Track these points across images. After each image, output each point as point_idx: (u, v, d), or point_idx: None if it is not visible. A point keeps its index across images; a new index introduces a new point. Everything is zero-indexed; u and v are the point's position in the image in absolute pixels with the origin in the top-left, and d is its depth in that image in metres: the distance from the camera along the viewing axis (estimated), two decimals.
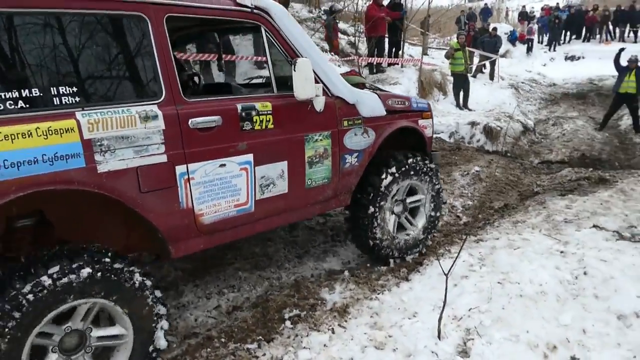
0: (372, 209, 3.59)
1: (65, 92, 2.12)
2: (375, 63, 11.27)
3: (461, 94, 11.46)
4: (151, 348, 2.44)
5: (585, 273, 3.37)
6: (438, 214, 4.17)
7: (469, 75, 12.14)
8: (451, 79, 11.88)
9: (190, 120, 2.48)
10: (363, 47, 12.41)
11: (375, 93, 3.65)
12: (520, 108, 11.80)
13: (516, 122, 9.96)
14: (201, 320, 3.20)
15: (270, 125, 2.83)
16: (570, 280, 3.31)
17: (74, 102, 2.14)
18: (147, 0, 2.37)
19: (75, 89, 2.15)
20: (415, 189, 3.96)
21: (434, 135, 5.44)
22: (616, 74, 10.54)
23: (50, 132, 2.03)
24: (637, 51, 12.03)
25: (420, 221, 4.03)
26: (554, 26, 22.32)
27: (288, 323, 3.05)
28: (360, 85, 3.81)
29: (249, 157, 2.75)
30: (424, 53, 13.92)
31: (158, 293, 2.44)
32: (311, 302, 3.31)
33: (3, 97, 1.96)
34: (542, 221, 4.63)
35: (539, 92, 15.36)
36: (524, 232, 4.31)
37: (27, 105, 2.02)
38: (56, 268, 2.07)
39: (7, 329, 1.93)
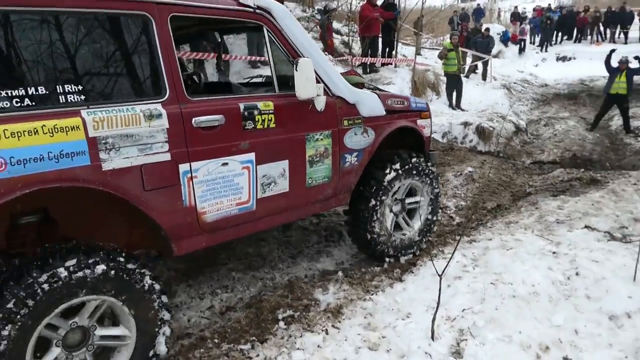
0: (373, 202, 3.62)
1: (70, 90, 2.14)
2: (368, 63, 11.28)
3: (454, 94, 11.50)
4: (151, 353, 2.46)
5: (577, 274, 3.39)
6: (435, 218, 4.22)
7: (461, 75, 12.18)
8: (444, 79, 11.93)
9: (193, 119, 2.50)
10: (357, 47, 12.41)
11: (375, 93, 3.68)
12: (512, 108, 11.87)
13: (508, 123, 10.02)
14: (194, 320, 3.19)
15: (272, 125, 2.86)
16: (563, 280, 3.33)
17: (79, 100, 2.16)
18: None
19: (80, 87, 2.17)
20: (415, 190, 4.01)
21: None
22: (607, 74, 10.62)
23: (56, 130, 2.05)
24: (628, 52, 12.16)
25: (417, 223, 4.07)
26: (546, 27, 22.49)
27: (282, 324, 3.05)
28: (360, 85, 3.84)
29: (251, 156, 2.78)
30: (417, 53, 13.93)
31: (165, 298, 2.47)
32: (305, 302, 3.30)
33: (10, 94, 1.97)
34: (534, 222, 4.65)
35: (530, 92, 15.45)
36: (517, 233, 4.33)
37: (34, 103, 2.03)
38: (73, 261, 2.10)
39: (19, 316, 1.96)
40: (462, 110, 11.32)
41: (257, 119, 2.77)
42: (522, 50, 22.04)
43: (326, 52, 11.25)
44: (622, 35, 21.99)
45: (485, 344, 2.70)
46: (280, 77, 2.98)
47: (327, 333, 2.91)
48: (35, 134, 1.99)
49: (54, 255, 2.12)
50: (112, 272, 2.21)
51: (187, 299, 3.43)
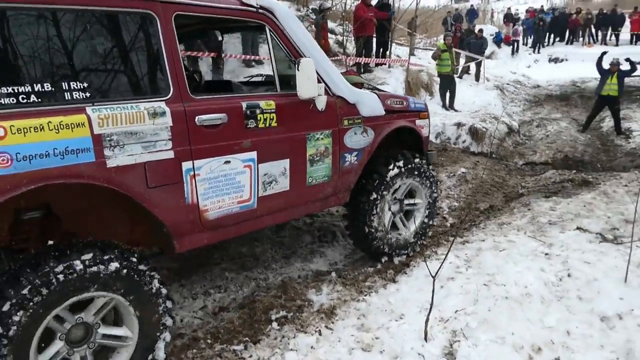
0: (374, 195, 3.66)
1: (75, 87, 2.15)
2: (362, 63, 11.28)
3: (447, 94, 11.53)
4: (150, 357, 2.47)
5: (569, 275, 3.42)
6: (430, 223, 4.26)
7: (455, 76, 12.22)
8: (438, 79, 11.95)
9: (196, 118, 2.51)
10: (351, 47, 12.40)
11: (375, 93, 3.71)
12: (505, 109, 11.92)
13: (501, 124, 10.06)
14: (187, 320, 3.18)
15: (274, 124, 2.88)
16: (555, 282, 3.35)
17: (84, 97, 2.17)
18: None
19: (85, 85, 2.18)
20: (414, 192, 4.06)
21: None
22: (598, 76, 10.69)
23: (62, 127, 2.06)
24: (619, 54, 12.24)
25: (413, 225, 4.11)
26: (539, 28, 22.61)
27: (275, 324, 3.05)
28: (359, 85, 3.87)
29: (253, 154, 2.80)
30: (411, 53, 13.97)
31: (169, 304, 2.50)
32: (298, 303, 3.31)
33: (16, 91, 1.98)
34: (527, 223, 4.68)
35: (523, 93, 15.52)
36: (510, 234, 4.36)
37: (39, 100, 2.04)
38: (89, 255, 2.15)
39: (32, 303, 1.99)
40: (456, 111, 11.35)
41: (259, 118, 2.79)
42: (515, 51, 22.15)
43: None
44: (613, 37, 22.19)
45: (478, 345, 2.71)
46: (281, 77, 3.00)
47: (320, 334, 2.91)
48: (41, 130, 2.00)
49: (71, 247, 2.16)
50: (124, 271, 2.26)
51: (180, 298, 3.42)
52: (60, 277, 2.05)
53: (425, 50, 16.84)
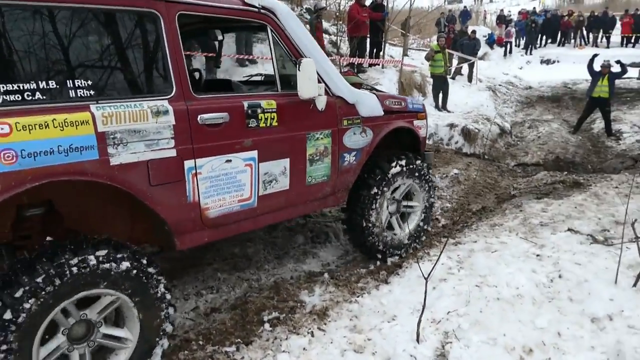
0: (375, 190, 3.70)
1: (80, 85, 2.16)
2: (356, 63, 11.28)
3: (440, 95, 11.57)
4: None
5: (560, 276, 3.43)
6: (425, 227, 4.30)
7: (448, 77, 12.26)
8: (431, 80, 11.99)
9: (199, 116, 2.54)
10: (345, 47, 12.41)
11: (373, 93, 3.74)
12: (497, 110, 11.98)
13: (493, 125, 10.11)
14: (179, 322, 3.14)
15: (275, 123, 2.90)
16: (546, 283, 3.36)
17: (88, 95, 2.18)
18: None
19: (89, 82, 2.19)
20: (412, 194, 4.10)
21: None
22: (589, 78, 10.78)
23: (66, 124, 2.07)
24: (610, 56, 12.34)
25: (408, 227, 4.13)
26: (531, 30, 22.73)
27: (267, 326, 3.04)
28: (357, 85, 3.89)
29: (254, 153, 2.82)
30: (405, 54, 13.99)
31: (172, 310, 2.53)
32: (290, 304, 3.30)
33: (21, 88, 1.99)
34: (518, 224, 4.70)
35: (515, 94, 15.62)
36: (501, 235, 4.37)
37: (44, 97, 2.05)
38: (103, 252, 2.19)
39: (44, 292, 2.02)
40: (448, 111, 11.39)
41: (260, 117, 2.82)
42: (507, 52, 22.27)
43: None
44: (604, 40, 22.35)
45: (470, 347, 2.71)
46: (282, 77, 3.02)
47: (312, 335, 2.90)
48: (46, 127, 2.01)
49: (87, 242, 2.20)
50: (134, 271, 2.29)
51: (172, 299, 3.38)
52: (74, 269, 2.09)
53: (418, 51, 16.90)
